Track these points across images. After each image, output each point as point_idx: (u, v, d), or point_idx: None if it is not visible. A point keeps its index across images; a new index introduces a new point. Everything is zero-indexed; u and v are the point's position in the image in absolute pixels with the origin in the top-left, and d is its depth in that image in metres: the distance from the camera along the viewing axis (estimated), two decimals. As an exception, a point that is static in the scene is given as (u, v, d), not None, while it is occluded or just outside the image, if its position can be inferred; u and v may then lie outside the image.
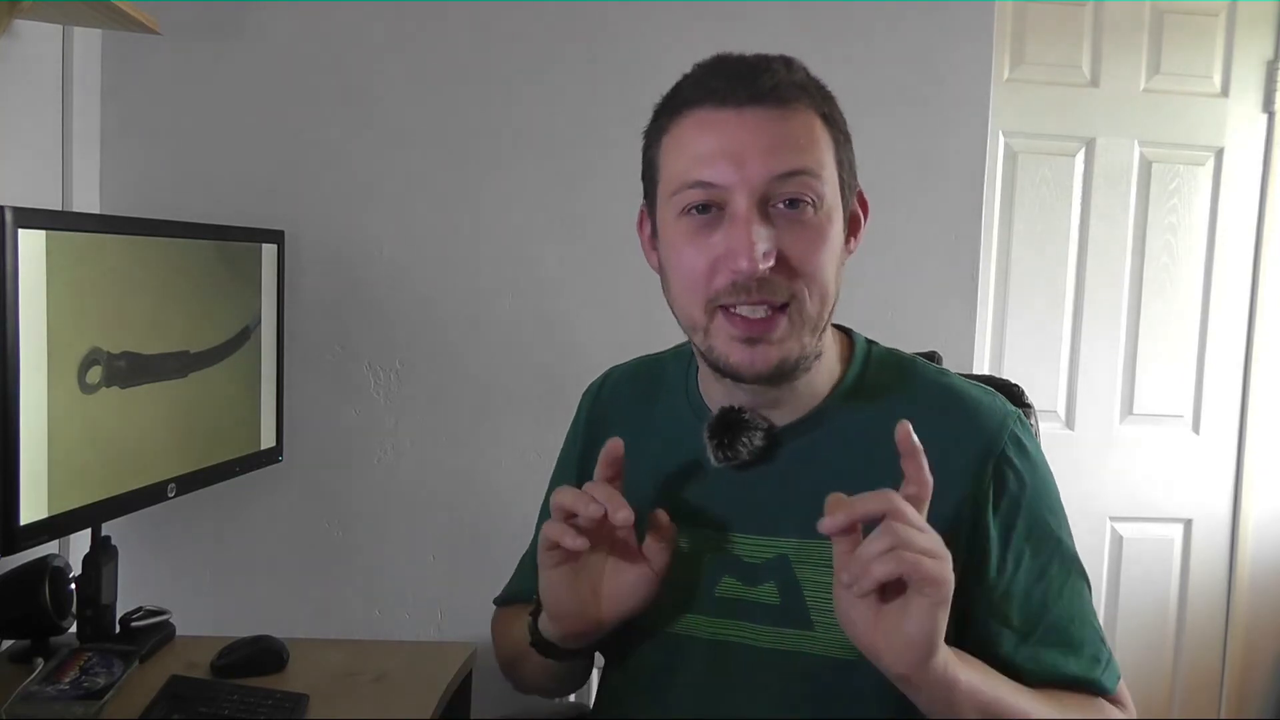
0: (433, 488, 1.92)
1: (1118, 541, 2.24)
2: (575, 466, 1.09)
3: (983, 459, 0.91)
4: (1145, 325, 2.20)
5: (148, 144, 1.84)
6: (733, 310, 0.87)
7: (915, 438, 0.80)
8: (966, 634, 0.90)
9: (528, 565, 1.13)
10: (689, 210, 0.88)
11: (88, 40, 1.75)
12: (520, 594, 1.12)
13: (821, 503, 0.91)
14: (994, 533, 0.91)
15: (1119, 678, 0.94)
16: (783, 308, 0.87)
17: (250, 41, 1.85)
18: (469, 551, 1.90)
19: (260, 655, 1.45)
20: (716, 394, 0.97)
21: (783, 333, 0.87)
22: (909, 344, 1.08)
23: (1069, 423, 2.21)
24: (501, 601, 1.17)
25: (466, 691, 1.55)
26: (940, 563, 0.77)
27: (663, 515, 0.90)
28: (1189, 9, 2.16)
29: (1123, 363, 2.21)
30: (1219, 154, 2.19)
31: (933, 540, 0.77)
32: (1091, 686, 0.92)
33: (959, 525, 0.89)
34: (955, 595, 0.85)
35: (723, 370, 0.90)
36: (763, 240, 0.84)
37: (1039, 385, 2.13)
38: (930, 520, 0.88)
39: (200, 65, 1.84)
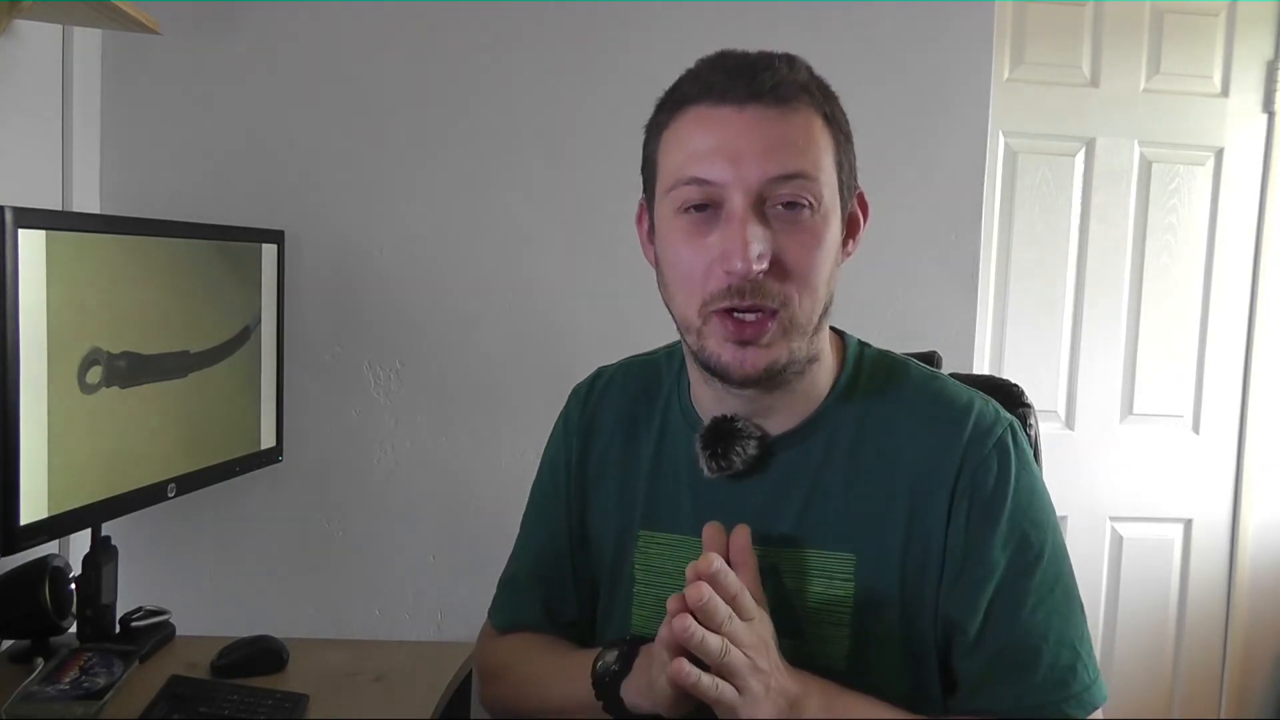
0: (433, 488, 1.92)
1: (1118, 541, 2.24)
2: (566, 471, 1.06)
3: (963, 465, 0.89)
4: (1145, 325, 2.20)
5: (148, 144, 1.84)
6: (728, 313, 0.86)
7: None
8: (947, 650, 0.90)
9: (521, 585, 1.08)
10: (686, 208, 0.87)
11: (88, 40, 1.75)
12: (524, 621, 1.07)
13: (811, 512, 0.91)
14: (967, 541, 0.88)
15: (1096, 705, 0.87)
16: (773, 313, 0.85)
17: (251, 41, 1.85)
18: (469, 551, 1.90)
19: (260, 655, 1.46)
20: (707, 402, 0.96)
21: (772, 337, 0.86)
22: (909, 344, 1.07)
23: (1069, 423, 2.21)
24: (502, 627, 1.09)
25: (466, 691, 1.55)
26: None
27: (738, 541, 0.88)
28: (1189, 9, 2.16)
29: (1123, 363, 2.21)
30: (1219, 154, 2.19)
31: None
32: (1039, 711, 0.86)
33: (940, 531, 0.88)
34: (936, 605, 0.87)
35: (713, 370, 0.89)
36: (758, 241, 0.83)
37: (1039, 385, 2.12)
38: (917, 529, 0.89)
39: (200, 65, 1.84)
